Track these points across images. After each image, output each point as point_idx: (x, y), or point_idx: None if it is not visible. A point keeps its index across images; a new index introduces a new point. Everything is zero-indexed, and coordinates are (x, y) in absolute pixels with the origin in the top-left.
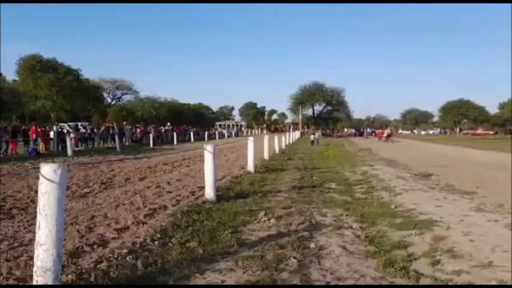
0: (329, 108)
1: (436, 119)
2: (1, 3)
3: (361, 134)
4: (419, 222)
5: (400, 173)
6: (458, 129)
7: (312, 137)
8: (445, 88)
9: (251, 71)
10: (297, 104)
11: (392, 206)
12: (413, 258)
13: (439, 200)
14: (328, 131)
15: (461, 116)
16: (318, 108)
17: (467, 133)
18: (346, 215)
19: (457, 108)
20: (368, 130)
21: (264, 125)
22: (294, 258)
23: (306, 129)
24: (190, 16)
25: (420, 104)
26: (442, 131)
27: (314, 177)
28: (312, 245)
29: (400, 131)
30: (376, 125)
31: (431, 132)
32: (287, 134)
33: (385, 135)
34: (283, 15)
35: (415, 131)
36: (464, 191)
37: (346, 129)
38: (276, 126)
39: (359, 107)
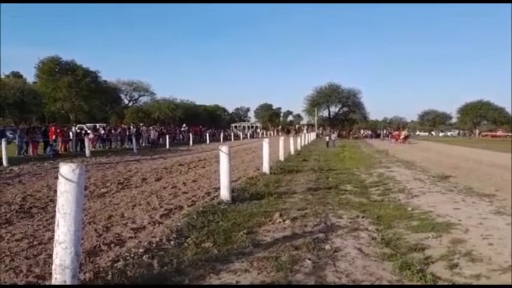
0: (345, 109)
1: (454, 120)
2: (1, 3)
3: (377, 136)
4: (436, 225)
5: (417, 175)
6: (477, 131)
7: (327, 138)
8: (463, 89)
9: (267, 73)
10: (312, 106)
11: (409, 209)
12: (431, 261)
13: (458, 203)
14: (344, 132)
15: (480, 118)
16: (333, 109)
17: (486, 135)
18: (362, 217)
19: (476, 110)
20: (385, 132)
21: (280, 127)
22: (309, 259)
23: (321, 131)
24: (206, 17)
25: (438, 105)
26: (461, 132)
27: (329, 179)
28: (327, 247)
29: (417, 132)
30: (393, 126)
31: (449, 134)
32: (302, 135)
33: (402, 136)
34: (300, 17)
35: (433, 133)
36: (483, 194)
37: (362, 131)
38: (289, 128)
39: (375, 109)
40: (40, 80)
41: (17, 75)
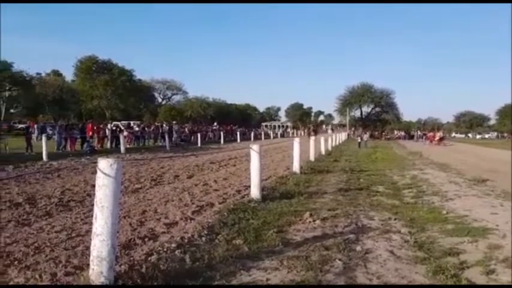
0: (377, 110)
1: (492, 122)
2: (1, 3)
3: (411, 137)
4: (472, 229)
5: (452, 178)
6: None
7: (359, 139)
8: (502, 90)
9: (299, 72)
10: (344, 105)
11: (444, 212)
12: (466, 267)
13: (495, 207)
14: (376, 133)
15: None
16: (366, 109)
17: None
18: (394, 219)
19: None
20: (419, 133)
21: (312, 126)
22: (340, 260)
23: (353, 131)
24: (239, 18)
25: (475, 106)
26: (499, 135)
27: (361, 180)
28: (358, 248)
29: (453, 134)
30: (427, 127)
31: (487, 136)
32: (333, 135)
33: (437, 138)
34: (334, 15)
35: (469, 135)
36: None
37: (395, 132)
38: (315, 128)
39: (409, 109)
40: (78, 79)
41: (57, 73)
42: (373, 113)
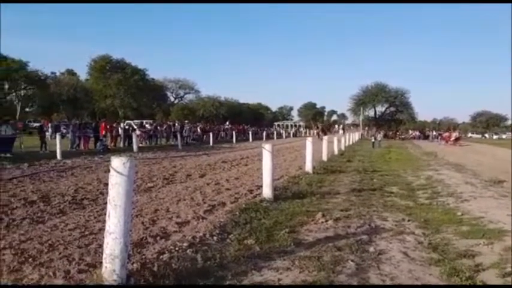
0: (392, 109)
1: (510, 122)
2: (1, 3)
3: (426, 137)
4: (488, 231)
5: (468, 179)
6: None
7: (373, 139)
8: None
9: (311, 71)
10: (358, 105)
11: (459, 213)
12: (481, 269)
13: None
14: (390, 133)
15: None
16: (380, 109)
17: None
18: (408, 220)
19: None
20: (434, 133)
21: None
22: (352, 261)
23: (367, 131)
24: (250, 17)
25: (492, 106)
26: None
27: (374, 180)
28: (371, 249)
29: (469, 134)
30: (442, 127)
31: (504, 136)
32: (346, 135)
33: (452, 138)
34: (347, 12)
35: (486, 135)
36: None
37: (410, 132)
38: (323, 128)
39: (424, 109)
40: (92, 78)
41: (71, 72)
42: (387, 112)
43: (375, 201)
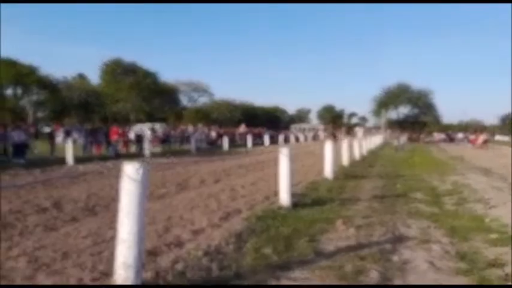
0: (415, 111)
1: None
2: (1, 3)
3: (451, 140)
4: None
5: (496, 184)
6: None
7: (395, 142)
8: None
9: (330, 72)
10: (379, 107)
11: (487, 220)
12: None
13: None
14: (414, 136)
15: None
16: (402, 111)
17: None
18: (434, 228)
19: None
20: (460, 136)
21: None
22: (375, 270)
23: (389, 134)
24: (267, 17)
25: None
26: None
27: (397, 186)
28: (395, 258)
29: (497, 137)
30: (469, 130)
31: None
32: (367, 138)
33: (479, 141)
34: (368, 11)
35: None
36: None
37: (435, 135)
38: (334, 132)
39: (450, 111)
40: (103, 81)
41: (82, 76)
42: (411, 114)
43: (399, 207)
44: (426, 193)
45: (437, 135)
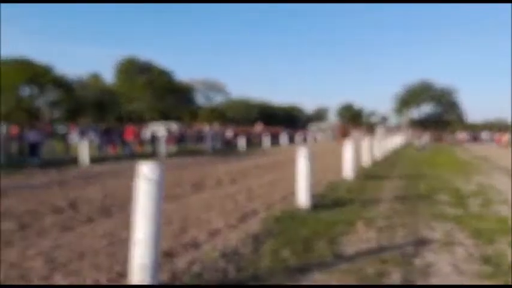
0: (438, 109)
1: None
2: (1, 3)
3: (476, 139)
4: None
5: None
6: None
7: (417, 141)
8: None
9: (349, 70)
10: (401, 105)
11: None
12: None
13: None
14: (437, 135)
15: None
16: (425, 109)
17: None
18: (458, 230)
19: None
20: (485, 135)
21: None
22: (397, 274)
23: (411, 133)
24: (283, 16)
25: None
26: None
27: (420, 187)
28: (418, 261)
29: None
30: (494, 129)
31: None
32: (388, 137)
33: (504, 140)
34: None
35: None
36: None
37: (458, 134)
38: (343, 130)
39: (475, 109)
40: (118, 81)
41: (96, 76)
42: (434, 113)
43: (421, 209)
44: (450, 194)
45: (461, 135)
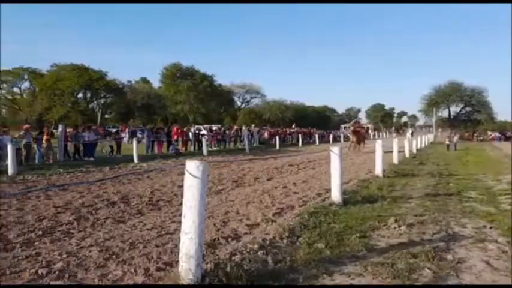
0: (468, 109)
1: None
2: (1, 3)
3: (507, 138)
4: None
5: None
6: None
7: (447, 140)
8: None
9: (380, 72)
10: (430, 106)
11: None
12: None
13: None
14: (467, 134)
15: None
16: (454, 109)
17: None
18: (490, 228)
19: None
20: None
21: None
22: (429, 269)
23: (440, 132)
24: (316, 18)
25: None
26: None
27: (450, 185)
28: (450, 257)
29: None
30: None
31: None
32: (418, 137)
33: None
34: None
35: None
36: None
37: (489, 133)
38: (357, 129)
39: (506, 108)
40: (164, 85)
41: (145, 80)
42: (463, 112)
43: (452, 206)
44: (481, 192)
45: (492, 134)
